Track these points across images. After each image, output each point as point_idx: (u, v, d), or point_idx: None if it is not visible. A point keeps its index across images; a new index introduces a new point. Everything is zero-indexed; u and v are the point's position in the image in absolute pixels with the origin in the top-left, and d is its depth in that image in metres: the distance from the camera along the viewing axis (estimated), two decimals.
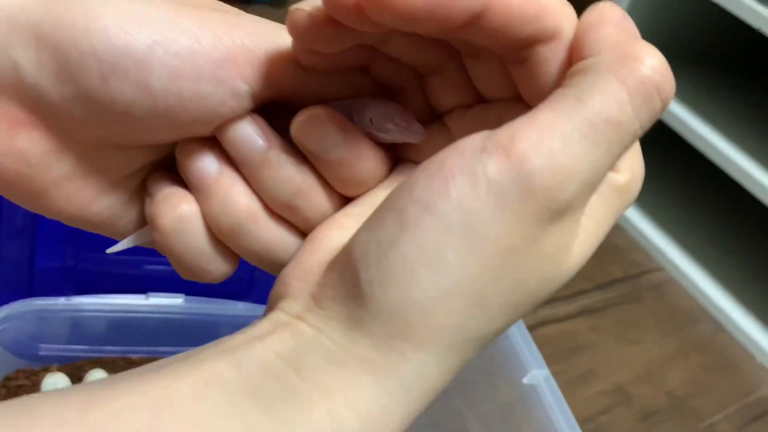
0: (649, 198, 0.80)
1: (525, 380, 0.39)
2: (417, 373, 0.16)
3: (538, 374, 0.39)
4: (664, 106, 0.16)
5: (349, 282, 0.16)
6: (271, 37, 0.19)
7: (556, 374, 0.40)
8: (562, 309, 0.67)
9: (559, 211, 0.16)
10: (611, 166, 0.16)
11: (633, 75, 0.16)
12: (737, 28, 0.69)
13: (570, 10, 0.17)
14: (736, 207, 0.85)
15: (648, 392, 0.62)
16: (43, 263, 0.45)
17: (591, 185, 0.16)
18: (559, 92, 0.16)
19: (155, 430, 0.15)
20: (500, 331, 0.17)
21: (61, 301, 0.43)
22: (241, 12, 0.20)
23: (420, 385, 0.16)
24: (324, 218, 0.20)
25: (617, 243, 0.78)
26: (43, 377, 0.44)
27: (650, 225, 0.80)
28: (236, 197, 0.19)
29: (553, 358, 0.41)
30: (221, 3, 0.20)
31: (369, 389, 0.16)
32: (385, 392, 0.16)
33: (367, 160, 0.19)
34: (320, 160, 0.19)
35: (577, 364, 0.63)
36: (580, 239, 0.17)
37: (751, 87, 0.87)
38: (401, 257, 0.16)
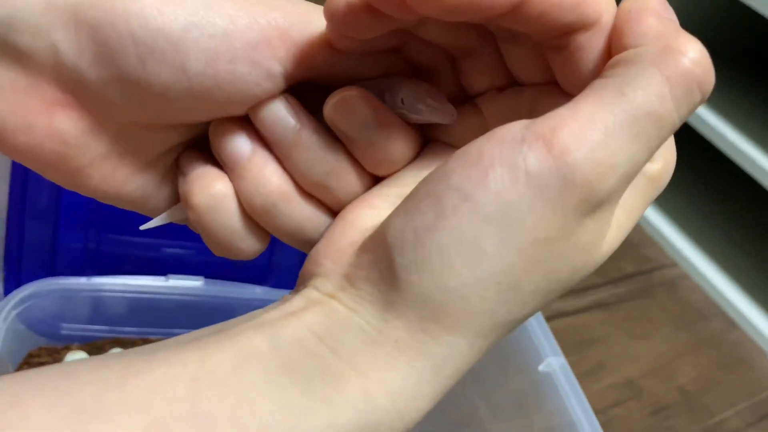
0: (662, 193, 0.79)
1: (541, 368, 0.40)
2: (448, 354, 0.17)
3: (554, 362, 0.39)
4: (704, 99, 0.16)
5: (384, 265, 0.17)
6: (305, 17, 0.19)
7: None
8: (573, 303, 0.67)
9: (597, 203, 0.16)
10: (649, 158, 0.16)
11: (676, 69, 0.16)
12: (754, 22, 0.69)
13: None
14: (750, 203, 0.84)
15: (659, 387, 0.62)
16: (66, 244, 0.46)
17: (629, 178, 0.16)
18: (600, 83, 0.16)
19: (195, 402, 0.15)
20: (530, 315, 0.17)
21: (82, 282, 0.44)
22: None
23: (450, 366, 0.17)
24: (355, 197, 0.20)
25: (630, 238, 0.76)
26: (64, 355, 0.45)
27: (663, 220, 0.80)
28: (269, 177, 0.20)
29: (563, 351, 0.41)
30: None
31: (401, 369, 0.16)
32: (416, 372, 0.17)
33: (399, 141, 0.19)
34: (352, 140, 0.20)
35: (587, 358, 0.63)
36: (613, 229, 0.17)
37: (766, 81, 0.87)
38: (437, 245, 0.16)
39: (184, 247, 0.48)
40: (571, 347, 0.63)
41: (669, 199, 0.81)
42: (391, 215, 0.17)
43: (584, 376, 0.61)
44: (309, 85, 0.20)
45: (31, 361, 0.44)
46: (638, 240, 0.78)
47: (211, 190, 0.20)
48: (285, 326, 0.17)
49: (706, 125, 0.72)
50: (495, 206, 0.15)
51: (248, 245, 0.21)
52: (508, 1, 0.15)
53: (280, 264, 0.49)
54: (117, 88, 0.18)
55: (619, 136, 0.15)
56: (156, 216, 0.22)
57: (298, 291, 0.19)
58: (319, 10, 0.19)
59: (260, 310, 0.18)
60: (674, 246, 0.78)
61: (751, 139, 0.71)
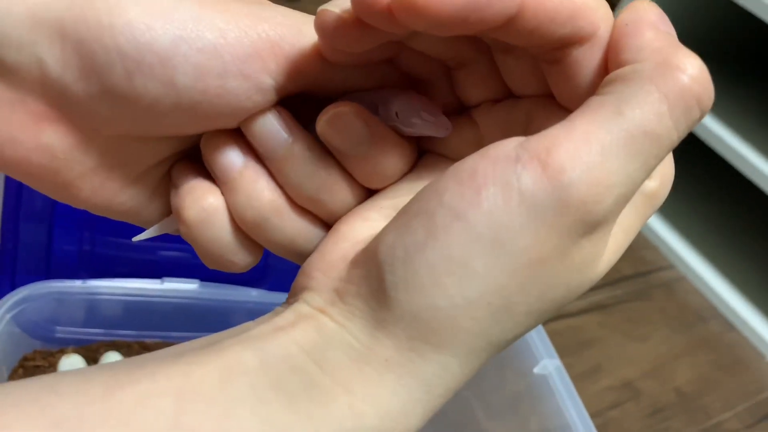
0: None
1: (536, 370, 0.40)
2: (438, 373, 0.16)
3: (549, 364, 0.39)
4: (702, 116, 0.16)
5: (374, 281, 0.16)
6: (296, 28, 0.18)
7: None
8: (571, 304, 0.67)
9: (594, 224, 0.15)
10: (647, 177, 0.16)
11: (674, 86, 0.15)
12: (753, 26, 0.69)
13: (606, 10, 0.16)
14: (747, 205, 0.84)
15: (656, 388, 0.62)
16: (61, 247, 0.46)
17: (626, 198, 0.16)
18: (596, 100, 0.16)
19: (179, 416, 0.15)
20: (524, 334, 0.17)
21: (77, 284, 0.44)
22: (265, 2, 0.19)
23: (441, 385, 0.17)
24: (348, 210, 0.20)
25: None
26: (59, 358, 0.44)
27: (661, 223, 0.80)
28: (261, 191, 0.20)
29: (561, 352, 0.41)
30: None
31: (390, 387, 0.16)
32: (406, 391, 0.16)
33: (392, 155, 0.19)
34: (345, 155, 0.19)
35: (585, 359, 0.63)
36: (609, 248, 0.17)
37: (766, 85, 0.87)
38: (428, 264, 0.16)
39: (180, 249, 0.48)
40: (568, 349, 0.63)
41: (667, 202, 0.80)
42: (382, 231, 0.17)
43: (582, 377, 0.61)
44: (302, 97, 0.20)
45: (25, 364, 0.44)
46: (636, 242, 0.77)
47: (202, 204, 0.20)
48: (273, 341, 0.17)
49: (705, 129, 0.72)
50: (487, 226, 0.15)
51: (240, 258, 0.20)
52: (501, 16, 0.15)
53: (276, 267, 0.49)
54: (104, 102, 0.18)
55: (616, 156, 0.15)
56: (149, 227, 0.22)
57: (289, 304, 0.18)
58: (310, 21, 0.18)
59: (250, 323, 0.18)
60: (672, 248, 0.78)
61: (749, 143, 0.71)
